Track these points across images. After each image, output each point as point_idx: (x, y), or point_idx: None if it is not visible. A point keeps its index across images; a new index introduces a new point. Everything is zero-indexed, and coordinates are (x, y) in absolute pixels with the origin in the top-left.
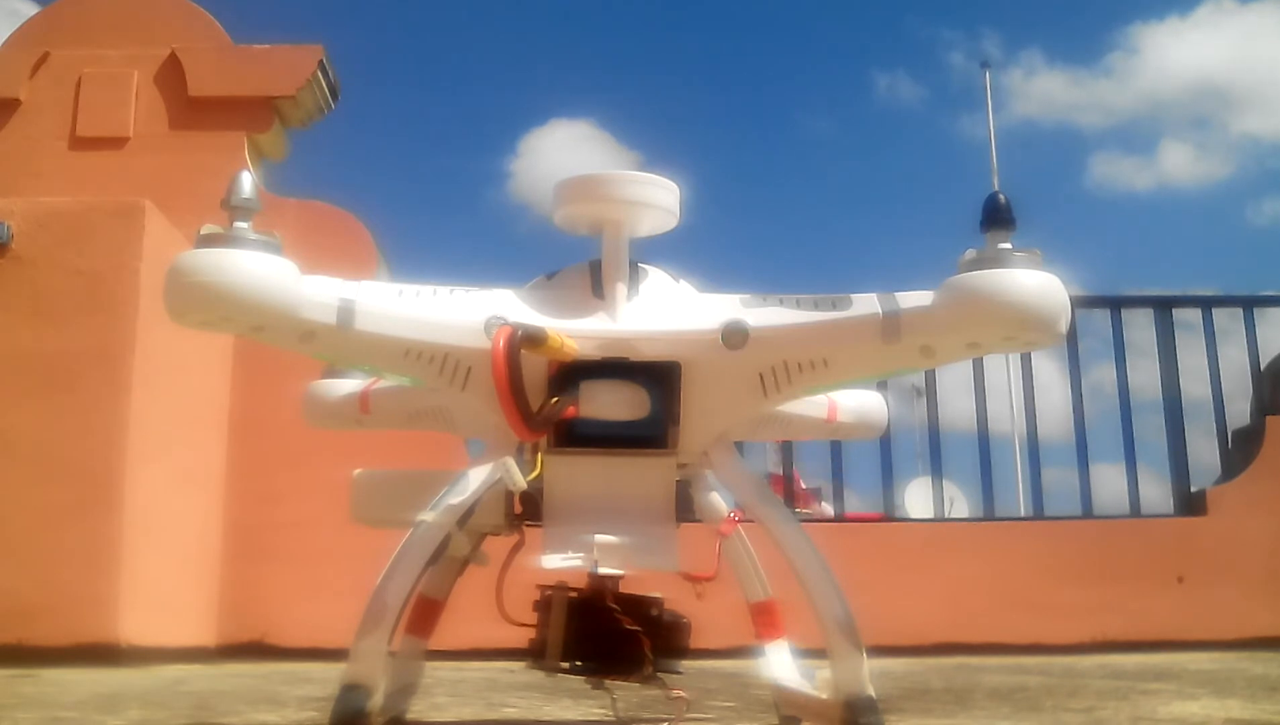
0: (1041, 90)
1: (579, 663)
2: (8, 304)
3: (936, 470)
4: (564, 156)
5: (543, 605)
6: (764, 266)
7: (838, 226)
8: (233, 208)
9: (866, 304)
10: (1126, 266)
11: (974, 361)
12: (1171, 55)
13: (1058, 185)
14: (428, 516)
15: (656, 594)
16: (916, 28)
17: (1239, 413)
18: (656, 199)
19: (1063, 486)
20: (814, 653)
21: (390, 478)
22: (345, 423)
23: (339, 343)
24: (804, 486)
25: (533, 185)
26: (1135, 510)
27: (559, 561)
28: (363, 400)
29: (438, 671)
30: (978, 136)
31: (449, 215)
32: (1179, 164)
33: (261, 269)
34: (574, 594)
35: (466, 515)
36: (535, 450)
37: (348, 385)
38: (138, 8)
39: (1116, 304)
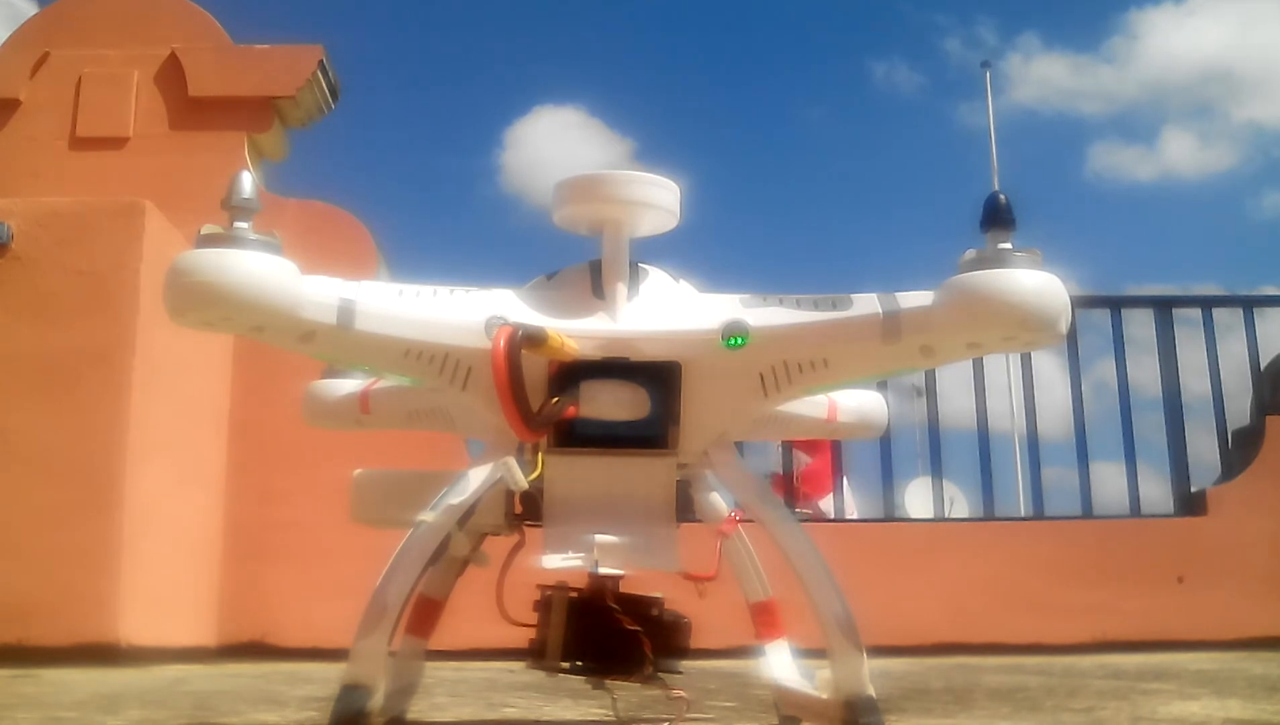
0: (1039, 76)
1: (579, 663)
2: (8, 304)
3: (936, 470)
4: (553, 145)
5: (543, 605)
6: (762, 261)
7: (836, 219)
8: (233, 208)
9: (867, 304)
10: (1127, 259)
11: (974, 360)
12: (1173, 40)
13: (1057, 176)
14: (428, 516)
15: (656, 594)
16: (911, 14)
17: (1239, 411)
18: (657, 199)
19: (1063, 486)
20: (814, 653)
21: (390, 478)
22: (345, 423)
23: (339, 343)
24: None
25: (522, 177)
26: (1135, 510)
27: (559, 561)
28: (363, 400)
29: (438, 671)
30: (977, 125)
31: (446, 213)
32: (1181, 153)
33: (261, 269)
34: (574, 594)
35: (466, 515)
36: (535, 450)
37: (348, 385)
38: (138, 8)
39: (1116, 304)
